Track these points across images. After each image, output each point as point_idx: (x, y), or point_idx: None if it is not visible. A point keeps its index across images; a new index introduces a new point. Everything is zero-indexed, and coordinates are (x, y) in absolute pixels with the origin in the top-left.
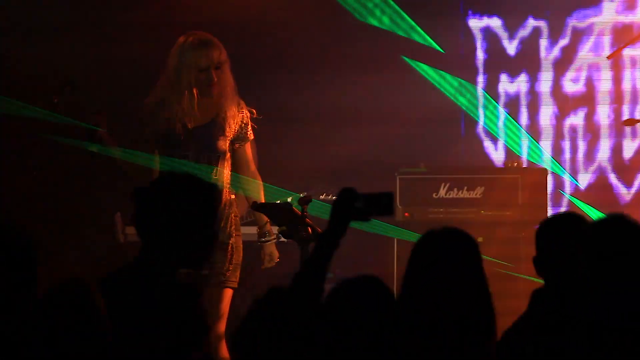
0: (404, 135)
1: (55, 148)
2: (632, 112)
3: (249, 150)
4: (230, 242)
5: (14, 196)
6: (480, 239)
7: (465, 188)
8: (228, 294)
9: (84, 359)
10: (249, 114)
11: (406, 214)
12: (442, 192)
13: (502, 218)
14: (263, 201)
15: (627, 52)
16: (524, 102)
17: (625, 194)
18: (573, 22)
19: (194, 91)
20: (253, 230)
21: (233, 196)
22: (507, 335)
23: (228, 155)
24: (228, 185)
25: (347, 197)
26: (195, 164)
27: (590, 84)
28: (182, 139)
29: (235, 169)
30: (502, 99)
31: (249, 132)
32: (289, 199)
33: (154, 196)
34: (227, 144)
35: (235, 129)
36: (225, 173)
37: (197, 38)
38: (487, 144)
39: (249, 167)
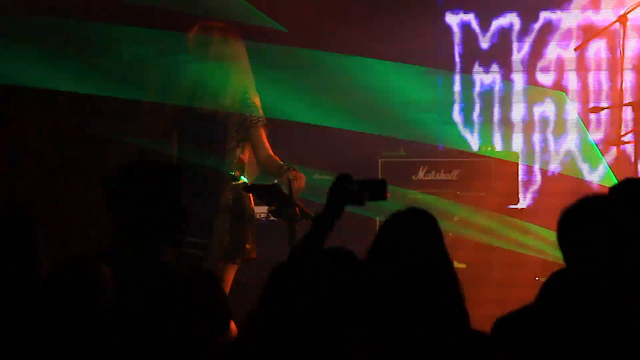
0: (385, 121)
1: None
2: (597, 100)
3: (260, 135)
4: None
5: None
6: (455, 218)
7: (442, 171)
8: (230, 269)
9: (90, 338)
10: (257, 101)
11: (387, 195)
12: (420, 174)
13: (476, 199)
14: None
15: (593, 45)
16: (497, 93)
17: (591, 177)
18: (544, 15)
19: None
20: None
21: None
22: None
23: (237, 153)
24: (238, 173)
25: (343, 182)
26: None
27: (559, 73)
28: (188, 128)
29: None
30: (477, 90)
31: (255, 119)
32: (275, 181)
33: (122, 183)
34: (234, 131)
35: (239, 117)
36: (235, 159)
37: (200, 25)
38: (463, 131)
39: (262, 151)
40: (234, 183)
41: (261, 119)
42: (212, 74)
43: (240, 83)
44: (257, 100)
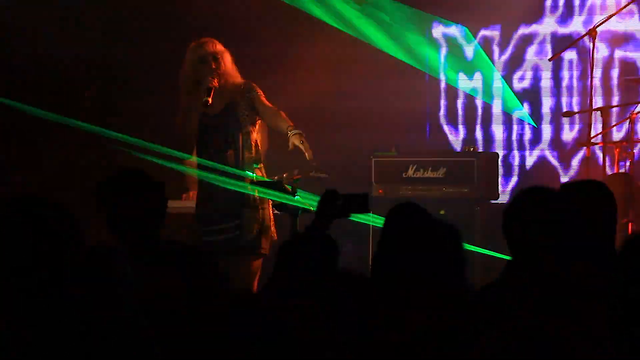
0: (379, 124)
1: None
2: (569, 105)
3: (265, 103)
4: (258, 213)
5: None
6: (442, 212)
7: (430, 169)
8: (255, 262)
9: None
10: (260, 92)
11: (380, 191)
12: (410, 172)
13: (461, 194)
14: (291, 124)
15: (566, 56)
16: (480, 96)
17: (564, 175)
18: (521, 30)
19: (200, 83)
20: None
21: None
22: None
23: (253, 135)
24: (253, 168)
25: (330, 197)
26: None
27: (535, 81)
28: (202, 127)
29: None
30: (462, 94)
31: (262, 106)
32: (275, 178)
33: (109, 190)
34: (247, 127)
35: (247, 112)
36: (253, 140)
37: (196, 41)
38: (449, 132)
39: (269, 112)
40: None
41: (260, 92)
42: (224, 82)
43: (244, 86)
44: (255, 95)
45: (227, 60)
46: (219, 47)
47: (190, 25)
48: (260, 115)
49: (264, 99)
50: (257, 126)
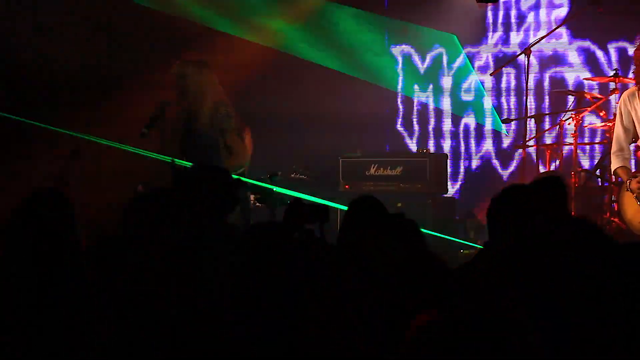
0: (346, 130)
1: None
2: (509, 113)
3: (230, 139)
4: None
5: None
6: (399, 204)
7: (389, 167)
8: None
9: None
10: (230, 110)
11: (347, 186)
12: (372, 170)
13: (415, 189)
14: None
15: (505, 71)
16: (432, 107)
17: (503, 173)
18: (467, 49)
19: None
20: None
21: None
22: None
23: (223, 141)
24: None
25: (296, 206)
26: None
27: (478, 92)
28: (180, 135)
29: (229, 152)
30: (415, 105)
31: (227, 124)
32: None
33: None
34: (215, 134)
35: (213, 123)
36: (226, 158)
37: (179, 60)
38: (405, 137)
39: (231, 154)
40: None
41: (232, 124)
42: (192, 99)
43: (213, 100)
44: (229, 109)
45: (194, 81)
46: (189, 68)
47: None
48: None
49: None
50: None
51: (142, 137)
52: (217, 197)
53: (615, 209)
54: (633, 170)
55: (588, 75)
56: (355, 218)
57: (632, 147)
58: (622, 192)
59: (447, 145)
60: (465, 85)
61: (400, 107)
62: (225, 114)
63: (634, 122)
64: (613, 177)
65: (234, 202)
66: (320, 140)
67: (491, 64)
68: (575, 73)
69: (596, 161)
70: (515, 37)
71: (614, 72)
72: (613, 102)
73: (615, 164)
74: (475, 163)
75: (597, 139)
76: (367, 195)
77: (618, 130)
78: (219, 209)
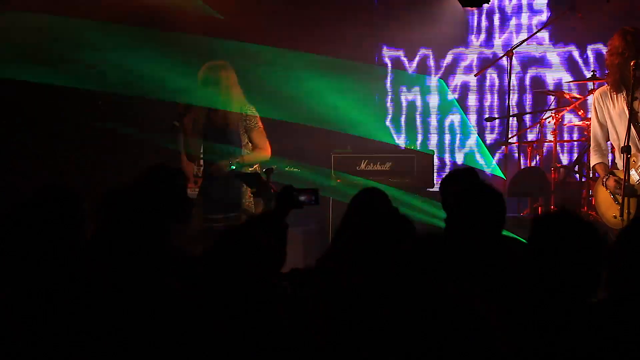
0: (339, 128)
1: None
2: (491, 112)
3: (256, 135)
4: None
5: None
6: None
7: (378, 163)
8: None
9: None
10: (254, 110)
11: (338, 180)
12: (362, 166)
13: (403, 184)
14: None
15: (488, 72)
16: (419, 105)
17: (486, 168)
18: (452, 51)
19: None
20: None
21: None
22: None
23: (246, 141)
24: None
25: (287, 191)
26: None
27: (463, 92)
28: (207, 133)
29: (252, 149)
30: (404, 104)
31: (253, 123)
32: (250, 169)
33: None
34: (240, 133)
35: (241, 123)
36: (245, 154)
37: (206, 65)
38: (394, 134)
39: (256, 148)
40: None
41: (257, 124)
42: (220, 98)
43: (240, 101)
44: (253, 109)
45: (224, 85)
46: (225, 72)
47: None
48: (252, 142)
49: (257, 135)
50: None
51: (174, 130)
52: (166, 206)
53: (593, 203)
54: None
55: (567, 76)
56: (360, 208)
57: (609, 143)
58: (597, 186)
59: (433, 141)
60: (451, 86)
61: (390, 105)
62: (251, 113)
63: (606, 118)
64: (591, 172)
65: (182, 214)
66: (314, 136)
67: (475, 65)
68: (555, 74)
69: (575, 157)
70: (498, 40)
71: (592, 73)
72: (591, 102)
73: (593, 160)
74: (459, 158)
75: (576, 137)
76: (373, 188)
77: (594, 127)
78: (165, 219)
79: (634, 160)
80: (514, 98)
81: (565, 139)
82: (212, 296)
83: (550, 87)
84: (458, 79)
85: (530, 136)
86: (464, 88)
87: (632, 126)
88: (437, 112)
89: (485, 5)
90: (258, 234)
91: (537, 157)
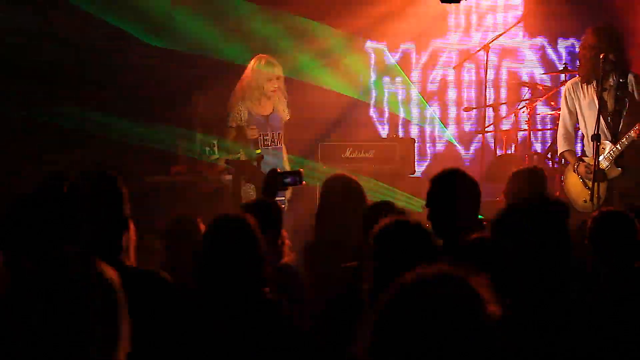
0: (325, 118)
1: None
2: (469, 102)
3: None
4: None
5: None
6: (371, 183)
7: (362, 151)
8: None
9: None
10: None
11: (324, 166)
12: (347, 153)
13: (385, 170)
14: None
15: (466, 65)
16: (400, 95)
17: (464, 155)
18: (433, 44)
19: (263, 93)
20: None
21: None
22: None
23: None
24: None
25: (273, 174)
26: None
27: (443, 84)
28: (262, 122)
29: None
30: (387, 94)
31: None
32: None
33: None
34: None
35: (285, 118)
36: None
37: (267, 59)
38: (377, 123)
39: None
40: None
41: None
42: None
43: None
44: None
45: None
46: (281, 70)
47: None
48: None
49: None
50: None
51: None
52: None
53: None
54: (579, 155)
55: (540, 69)
56: (330, 197)
57: (580, 133)
58: (567, 173)
59: (414, 130)
60: (431, 77)
61: (373, 96)
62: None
63: (576, 108)
64: (561, 158)
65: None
66: (304, 126)
67: (454, 58)
68: (529, 67)
69: (548, 146)
70: (476, 35)
71: (564, 66)
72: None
73: (561, 147)
74: (439, 148)
75: (548, 126)
76: (340, 175)
77: (564, 114)
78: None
79: (602, 148)
80: (490, 89)
81: (539, 128)
82: (209, 293)
83: (525, 79)
84: (437, 70)
85: (506, 125)
86: (443, 79)
87: (600, 116)
88: (418, 103)
89: (463, 2)
90: (253, 221)
91: (512, 146)
